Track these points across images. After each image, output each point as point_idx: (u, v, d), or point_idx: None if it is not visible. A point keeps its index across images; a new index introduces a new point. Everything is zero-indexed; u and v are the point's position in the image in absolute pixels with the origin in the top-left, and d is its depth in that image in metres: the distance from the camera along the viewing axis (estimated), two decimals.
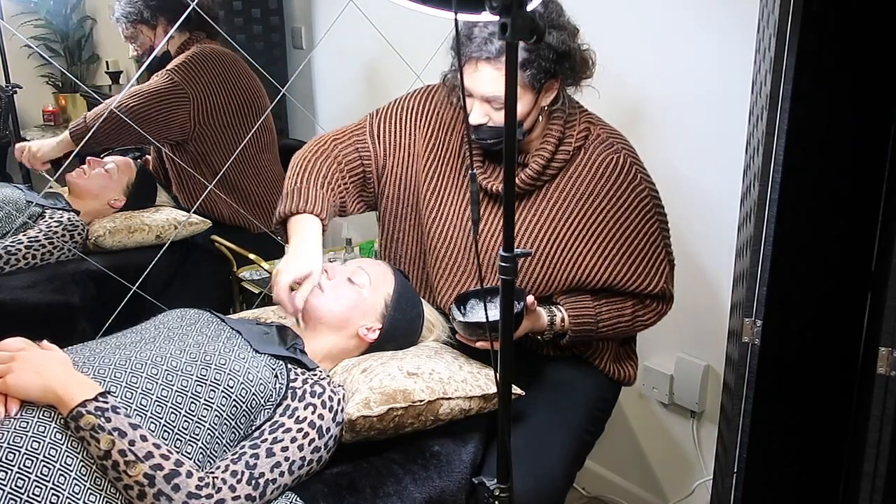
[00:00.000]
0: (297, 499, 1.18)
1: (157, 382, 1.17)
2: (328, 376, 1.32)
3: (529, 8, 0.88)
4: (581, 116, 1.53)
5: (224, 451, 1.17)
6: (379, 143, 1.60)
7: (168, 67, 2.30)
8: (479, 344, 1.38)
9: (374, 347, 1.47)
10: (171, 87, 2.27)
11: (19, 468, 1.02)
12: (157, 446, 1.07)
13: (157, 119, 2.25)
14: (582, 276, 1.51)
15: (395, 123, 1.61)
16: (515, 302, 1.26)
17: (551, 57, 1.39)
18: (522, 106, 1.41)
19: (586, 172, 1.49)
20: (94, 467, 1.06)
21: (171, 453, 1.08)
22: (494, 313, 1.14)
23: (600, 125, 1.55)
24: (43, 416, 1.09)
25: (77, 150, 2.06)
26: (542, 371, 1.56)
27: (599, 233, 1.49)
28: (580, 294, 1.53)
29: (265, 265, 2.10)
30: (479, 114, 1.43)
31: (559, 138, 1.48)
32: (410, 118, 1.61)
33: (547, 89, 1.44)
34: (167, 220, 2.26)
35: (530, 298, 1.39)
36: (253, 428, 1.21)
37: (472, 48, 1.38)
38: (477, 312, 1.42)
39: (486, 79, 1.39)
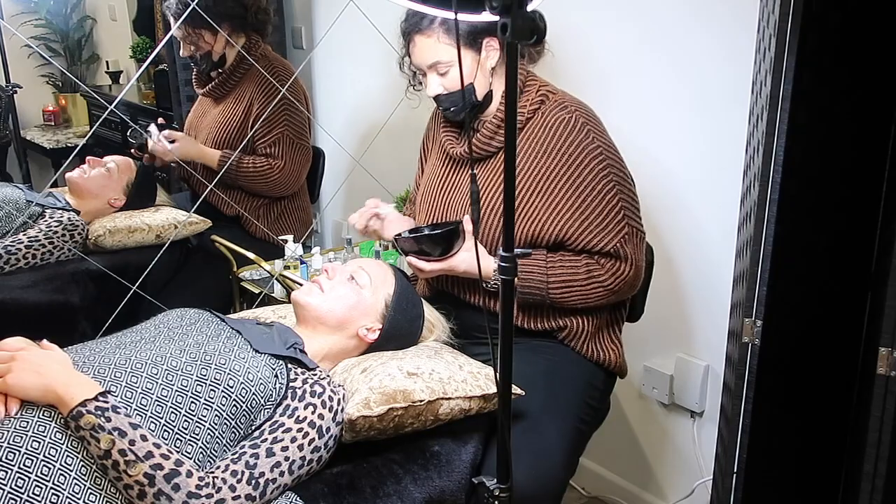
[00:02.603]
0: (297, 498, 1.18)
1: (157, 382, 1.17)
2: (328, 376, 1.32)
3: (530, 8, 0.88)
4: (541, 87, 1.59)
5: (224, 450, 1.17)
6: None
7: (281, 134, 2.33)
8: (410, 258, 1.51)
9: (373, 347, 1.47)
10: (308, 155, 2.42)
11: (19, 468, 1.02)
12: (158, 446, 1.07)
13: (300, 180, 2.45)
14: (535, 231, 1.53)
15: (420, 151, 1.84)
16: (450, 227, 1.52)
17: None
18: (466, 65, 1.52)
19: (540, 131, 1.54)
20: (94, 467, 1.06)
21: (172, 453, 1.08)
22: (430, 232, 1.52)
23: (561, 94, 1.59)
24: (43, 415, 1.09)
25: (77, 149, 2.06)
26: (528, 363, 1.55)
27: (551, 189, 1.52)
28: (537, 249, 1.55)
29: (265, 265, 2.10)
30: (435, 84, 1.55)
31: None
32: (424, 149, 1.83)
33: (487, 48, 1.53)
34: (167, 220, 2.26)
35: (466, 218, 1.49)
36: (253, 428, 1.21)
37: (406, 25, 1.53)
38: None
39: (423, 48, 1.53)
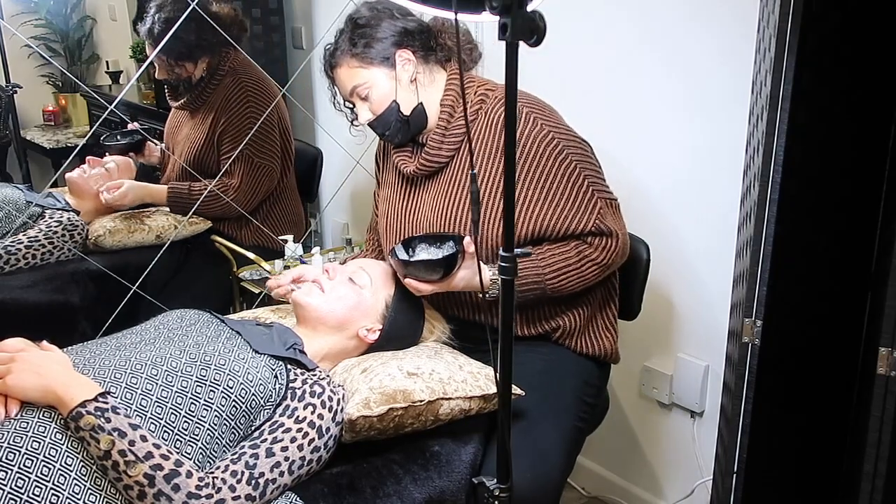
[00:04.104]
0: (297, 499, 1.18)
1: (156, 383, 1.17)
2: (328, 376, 1.32)
3: (530, 8, 0.88)
4: (478, 87, 1.58)
5: (224, 451, 1.17)
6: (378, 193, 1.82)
7: (241, 153, 2.23)
8: (407, 281, 1.44)
9: (374, 348, 1.47)
10: (270, 174, 2.32)
11: (19, 468, 1.02)
12: (157, 446, 1.07)
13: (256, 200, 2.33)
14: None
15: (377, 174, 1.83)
16: (449, 244, 1.47)
17: (388, 35, 1.53)
18: (383, 82, 1.53)
19: (487, 132, 1.53)
20: (94, 467, 1.06)
21: (171, 453, 1.08)
22: (430, 254, 1.47)
23: (500, 89, 1.57)
24: (43, 416, 1.09)
25: (78, 149, 2.06)
26: (524, 364, 1.54)
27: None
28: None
29: (265, 265, 2.10)
30: (364, 111, 1.57)
31: (453, 107, 1.55)
32: (377, 165, 1.82)
33: (401, 61, 1.53)
34: (167, 220, 2.26)
35: (467, 240, 1.43)
36: (253, 428, 1.21)
37: (324, 65, 1.59)
38: (420, 255, 1.50)
39: (341, 79, 1.56)
